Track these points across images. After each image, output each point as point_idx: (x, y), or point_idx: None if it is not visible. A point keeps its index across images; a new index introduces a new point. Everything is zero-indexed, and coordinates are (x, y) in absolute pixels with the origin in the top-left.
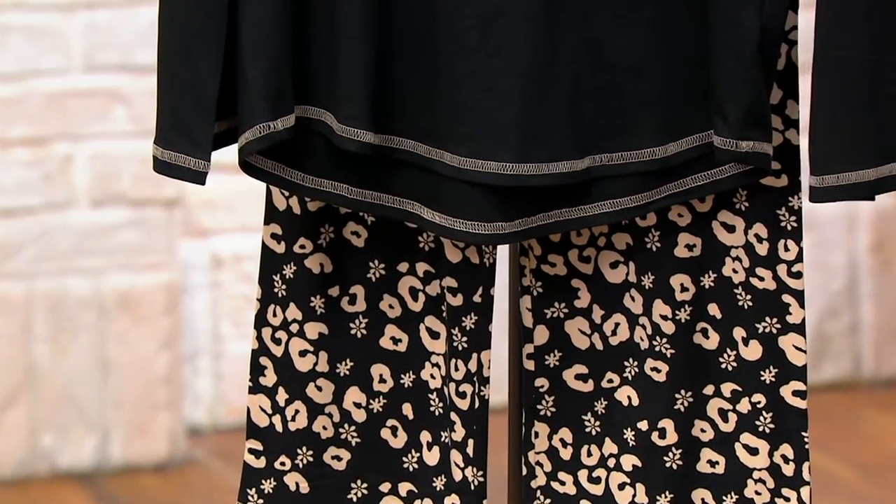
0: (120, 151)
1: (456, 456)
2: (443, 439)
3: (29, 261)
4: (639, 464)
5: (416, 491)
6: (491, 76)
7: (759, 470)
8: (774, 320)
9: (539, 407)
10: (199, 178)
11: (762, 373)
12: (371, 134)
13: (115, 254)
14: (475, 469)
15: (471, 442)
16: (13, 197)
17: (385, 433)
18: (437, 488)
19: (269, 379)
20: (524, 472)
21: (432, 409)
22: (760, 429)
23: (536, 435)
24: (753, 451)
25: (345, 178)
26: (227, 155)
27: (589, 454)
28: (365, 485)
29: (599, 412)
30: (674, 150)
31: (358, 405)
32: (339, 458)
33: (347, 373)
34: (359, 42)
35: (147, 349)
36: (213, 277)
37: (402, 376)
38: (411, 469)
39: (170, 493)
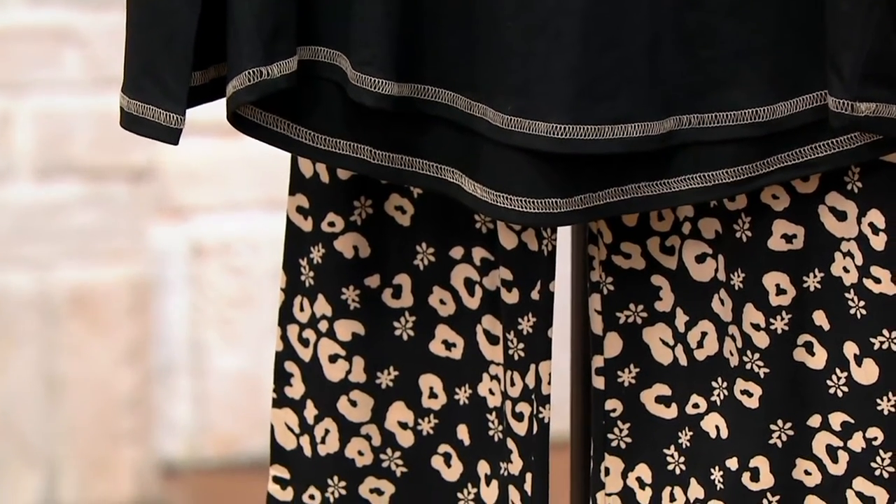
0: (72, 107)
1: (514, 494)
2: (501, 471)
3: None
4: None
5: None
6: (544, 13)
7: None
8: (894, 334)
9: (611, 436)
10: (172, 135)
11: (879, 401)
12: (393, 84)
13: (65, 240)
14: None
15: (529, 477)
16: None
17: (436, 462)
18: None
19: (296, 389)
20: None
21: (491, 433)
22: (877, 472)
23: (607, 472)
24: (868, 501)
25: (366, 139)
26: (213, 112)
27: (672, 498)
28: None
29: (684, 445)
30: (785, 112)
31: (404, 425)
32: (379, 492)
33: (391, 384)
34: None
35: (107, 363)
36: (194, 271)
37: (457, 390)
38: None
39: None
